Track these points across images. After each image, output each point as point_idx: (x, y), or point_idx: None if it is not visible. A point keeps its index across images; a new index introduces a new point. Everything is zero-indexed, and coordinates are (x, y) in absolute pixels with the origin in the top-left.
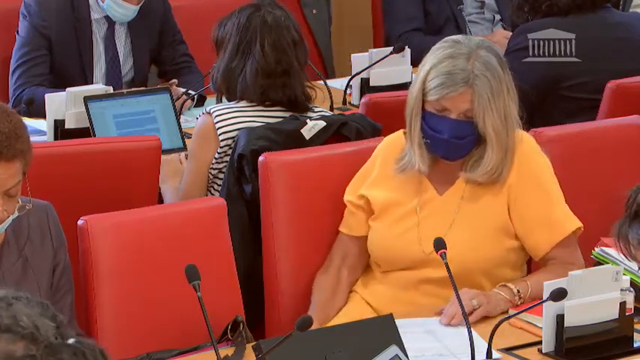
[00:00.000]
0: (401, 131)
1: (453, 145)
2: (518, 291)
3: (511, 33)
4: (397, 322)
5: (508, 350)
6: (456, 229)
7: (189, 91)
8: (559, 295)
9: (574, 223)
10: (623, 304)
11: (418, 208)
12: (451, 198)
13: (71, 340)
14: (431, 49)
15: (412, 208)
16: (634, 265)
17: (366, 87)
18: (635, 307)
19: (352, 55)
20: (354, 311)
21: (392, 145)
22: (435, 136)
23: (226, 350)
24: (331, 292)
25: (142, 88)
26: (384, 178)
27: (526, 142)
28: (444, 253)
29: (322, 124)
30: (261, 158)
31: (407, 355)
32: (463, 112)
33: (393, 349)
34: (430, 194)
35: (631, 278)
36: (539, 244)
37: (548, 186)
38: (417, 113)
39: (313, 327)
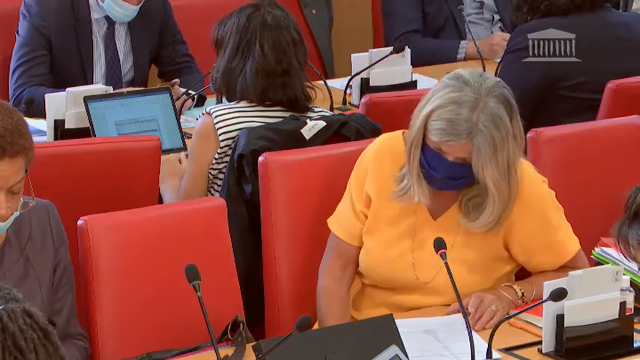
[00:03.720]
0: (400, 132)
1: (446, 183)
2: (523, 294)
3: (509, 35)
4: (397, 322)
5: (508, 350)
6: (451, 261)
7: (190, 91)
8: (559, 295)
9: (576, 244)
10: (623, 304)
11: (412, 231)
12: (446, 225)
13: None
14: (440, 81)
15: (406, 229)
16: (634, 265)
17: (366, 87)
18: (635, 307)
19: (352, 55)
20: None
21: (388, 143)
22: (430, 172)
23: (226, 350)
24: (345, 307)
25: (142, 88)
26: (379, 180)
27: (527, 173)
28: (444, 253)
29: (322, 124)
30: (261, 158)
31: (407, 355)
32: (461, 157)
33: (393, 349)
34: (424, 217)
35: (631, 278)
36: (542, 267)
37: (549, 213)
38: (417, 145)
39: None
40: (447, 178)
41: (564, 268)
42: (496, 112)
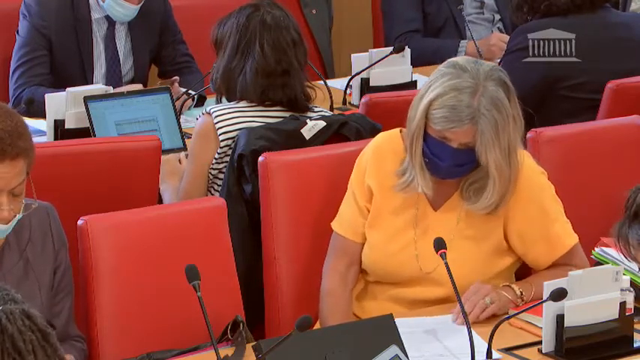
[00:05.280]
0: (397, 129)
1: (452, 170)
2: (522, 293)
3: (507, 35)
4: (397, 322)
5: (508, 350)
6: (453, 251)
7: (190, 91)
8: (559, 295)
9: (574, 238)
10: (623, 304)
11: (414, 222)
12: (447, 215)
13: None
14: (437, 69)
15: (408, 221)
16: (634, 265)
17: (366, 87)
18: (635, 307)
19: (352, 55)
20: None
21: (387, 140)
22: (435, 161)
23: (226, 350)
24: (348, 309)
25: (142, 88)
26: (380, 174)
27: (526, 164)
28: (444, 253)
29: (322, 124)
30: (261, 158)
31: (407, 355)
32: (464, 143)
33: (393, 349)
34: (425, 208)
35: (631, 278)
36: (539, 259)
37: (547, 204)
38: (418, 136)
39: None
40: (453, 165)
41: (562, 265)
42: (496, 95)
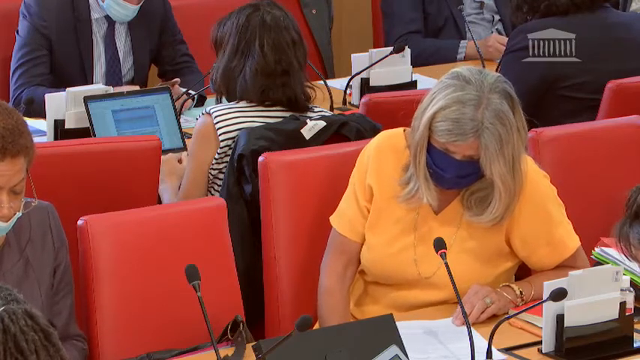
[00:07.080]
0: (400, 129)
1: (455, 182)
2: (521, 292)
3: (504, 37)
4: (398, 322)
5: (508, 350)
6: (453, 256)
7: (190, 91)
8: (559, 295)
9: (577, 241)
10: (623, 304)
11: (414, 226)
12: (448, 220)
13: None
14: (439, 81)
15: (408, 225)
16: (634, 265)
17: (366, 87)
18: (635, 307)
19: (352, 55)
20: None
21: (389, 139)
22: (439, 172)
23: (226, 350)
24: (346, 307)
25: (142, 88)
26: (380, 175)
27: (529, 170)
28: (444, 253)
29: (322, 124)
30: (261, 158)
31: (407, 355)
32: (468, 155)
33: (393, 349)
34: (426, 212)
35: (631, 278)
36: (542, 263)
37: (550, 208)
38: (422, 148)
39: None
40: (456, 177)
41: (564, 267)
42: (500, 107)
